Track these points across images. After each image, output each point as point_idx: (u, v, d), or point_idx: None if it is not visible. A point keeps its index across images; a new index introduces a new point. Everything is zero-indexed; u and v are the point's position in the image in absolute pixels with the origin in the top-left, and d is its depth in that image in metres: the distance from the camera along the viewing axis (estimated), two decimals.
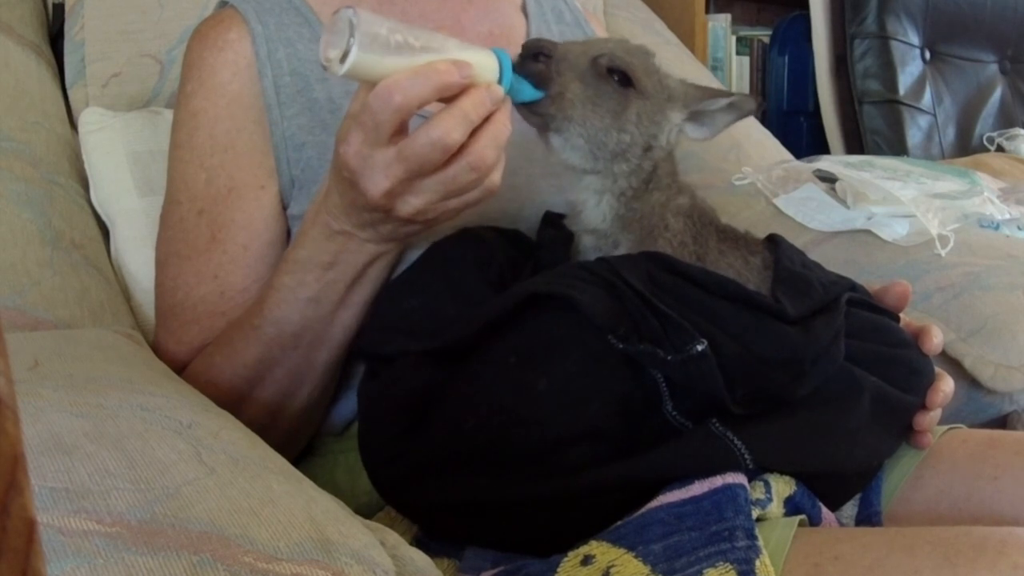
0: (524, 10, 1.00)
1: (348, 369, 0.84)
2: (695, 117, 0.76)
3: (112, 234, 1.02)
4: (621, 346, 0.61)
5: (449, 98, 0.63)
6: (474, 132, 0.63)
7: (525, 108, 0.70)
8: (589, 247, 0.76)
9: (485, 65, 0.64)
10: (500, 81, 0.65)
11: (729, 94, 0.76)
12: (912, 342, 0.72)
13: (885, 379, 0.67)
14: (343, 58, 0.60)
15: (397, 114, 0.61)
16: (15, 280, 0.87)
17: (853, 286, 0.72)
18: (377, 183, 0.64)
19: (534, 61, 0.70)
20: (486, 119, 0.64)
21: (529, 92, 0.69)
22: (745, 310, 0.64)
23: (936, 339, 0.73)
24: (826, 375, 0.63)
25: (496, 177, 0.67)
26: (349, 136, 0.64)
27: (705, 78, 1.52)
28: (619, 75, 0.71)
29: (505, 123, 0.65)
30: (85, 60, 1.11)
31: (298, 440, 0.85)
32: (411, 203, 0.66)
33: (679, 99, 0.75)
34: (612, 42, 0.76)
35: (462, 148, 0.63)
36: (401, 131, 0.63)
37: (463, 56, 0.63)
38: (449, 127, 0.62)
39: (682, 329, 0.60)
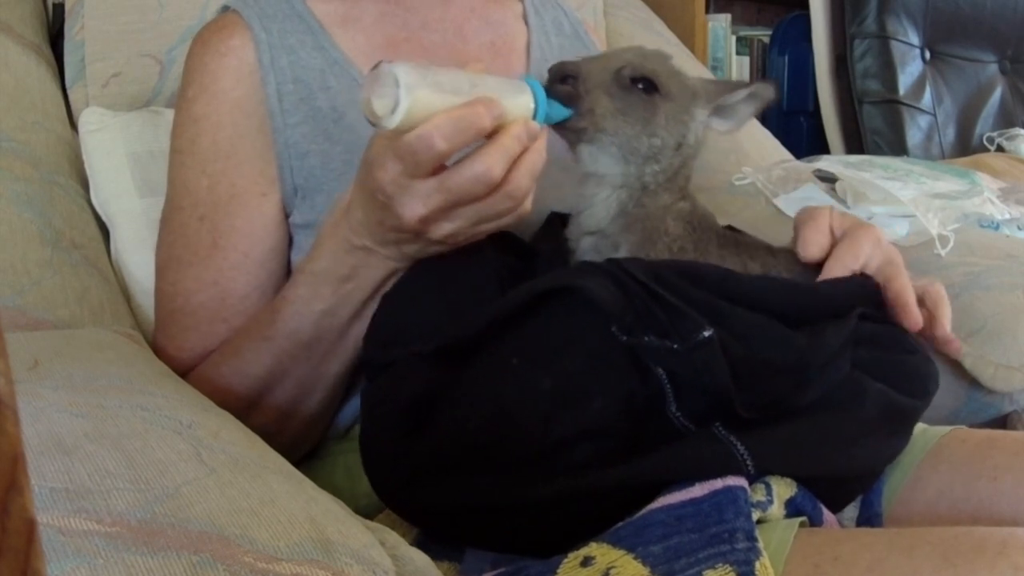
0: (525, 20, 1.00)
1: (355, 373, 0.83)
2: (719, 111, 0.78)
3: (112, 235, 1.02)
4: (625, 338, 0.61)
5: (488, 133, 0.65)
6: (512, 163, 0.65)
7: (559, 127, 0.73)
8: (588, 249, 0.76)
9: (520, 99, 0.67)
10: (535, 110, 0.68)
11: (747, 84, 0.78)
12: (918, 349, 0.72)
13: (889, 384, 0.66)
14: (392, 111, 0.61)
15: (439, 158, 0.63)
16: (15, 280, 0.87)
17: (865, 292, 0.71)
18: (414, 209, 0.65)
19: (562, 83, 0.72)
20: (524, 150, 0.66)
21: (561, 113, 0.71)
22: (752, 312, 0.63)
23: (943, 328, 0.74)
24: (831, 384, 0.63)
25: (528, 203, 0.68)
26: (387, 163, 0.65)
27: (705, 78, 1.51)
28: (644, 83, 0.73)
29: (541, 154, 0.67)
30: (85, 60, 1.10)
31: (303, 446, 0.85)
32: (445, 228, 0.68)
33: (702, 96, 0.76)
34: (630, 51, 0.77)
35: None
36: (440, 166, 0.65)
37: (502, 94, 0.65)
38: (492, 163, 0.64)
39: (688, 317, 0.60)
